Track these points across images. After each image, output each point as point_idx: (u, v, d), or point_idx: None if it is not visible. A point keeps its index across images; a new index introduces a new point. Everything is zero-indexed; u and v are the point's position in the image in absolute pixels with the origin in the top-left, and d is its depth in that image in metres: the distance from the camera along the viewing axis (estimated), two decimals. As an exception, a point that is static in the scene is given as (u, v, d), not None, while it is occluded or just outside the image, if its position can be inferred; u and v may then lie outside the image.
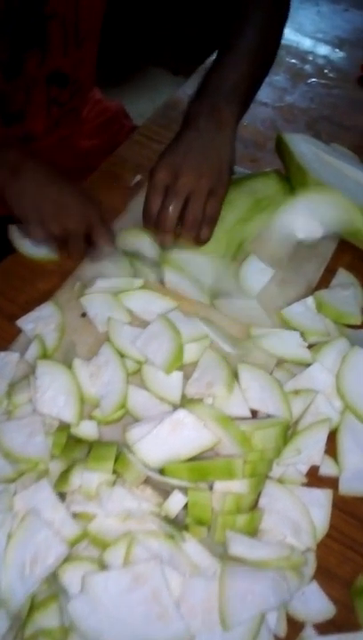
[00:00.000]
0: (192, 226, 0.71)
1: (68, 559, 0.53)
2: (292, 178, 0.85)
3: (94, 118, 1.15)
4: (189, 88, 1.09)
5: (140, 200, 0.76)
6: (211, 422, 0.61)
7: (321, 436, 0.63)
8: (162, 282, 0.77)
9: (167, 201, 0.71)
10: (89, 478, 0.57)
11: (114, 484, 0.58)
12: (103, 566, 0.53)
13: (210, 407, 0.63)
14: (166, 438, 0.59)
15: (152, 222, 0.73)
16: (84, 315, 0.75)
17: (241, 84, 0.77)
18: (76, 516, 0.56)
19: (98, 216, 0.72)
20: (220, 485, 0.59)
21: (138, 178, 0.92)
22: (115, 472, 0.58)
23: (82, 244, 0.73)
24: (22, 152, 0.74)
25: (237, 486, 0.59)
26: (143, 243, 0.77)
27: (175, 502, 0.57)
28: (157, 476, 0.58)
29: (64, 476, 0.58)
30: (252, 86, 0.81)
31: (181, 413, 0.60)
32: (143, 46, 2.58)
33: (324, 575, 0.59)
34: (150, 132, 1.01)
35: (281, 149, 0.88)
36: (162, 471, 0.59)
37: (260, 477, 0.60)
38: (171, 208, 0.70)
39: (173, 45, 2.54)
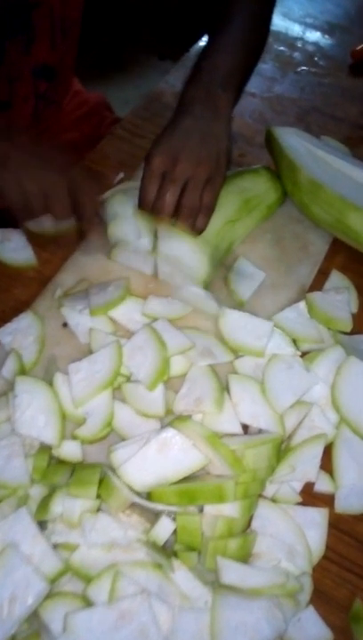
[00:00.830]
0: (189, 214, 0.68)
1: (49, 595, 0.50)
2: (282, 175, 0.81)
3: (74, 110, 1.11)
4: (172, 78, 1.04)
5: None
6: (200, 441, 0.57)
7: (317, 452, 0.60)
8: (155, 274, 0.74)
9: (165, 188, 0.67)
10: (71, 505, 0.54)
11: (98, 510, 0.55)
12: (87, 602, 0.50)
13: (199, 425, 0.59)
14: (153, 460, 0.56)
15: (149, 209, 0.69)
16: (65, 325, 0.71)
17: (235, 70, 0.74)
18: (57, 546, 0.53)
19: (81, 176, 0.69)
20: (210, 509, 0.56)
21: (121, 175, 0.88)
22: (98, 497, 0.55)
23: (65, 201, 0.67)
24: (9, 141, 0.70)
25: (229, 509, 0.56)
26: (135, 233, 0.73)
27: (163, 528, 0.54)
28: (143, 502, 0.54)
29: (45, 502, 0.55)
30: (245, 73, 0.78)
31: (169, 432, 0.57)
32: (127, 30, 2.50)
33: (320, 599, 0.56)
34: (133, 125, 0.96)
35: (271, 144, 0.84)
36: (149, 495, 0.56)
37: (252, 499, 0.57)
38: (168, 195, 0.67)
39: (158, 29, 2.47)
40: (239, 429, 0.61)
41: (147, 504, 0.54)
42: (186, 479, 0.56)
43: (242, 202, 0.77)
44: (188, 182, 0.67)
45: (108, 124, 1.13)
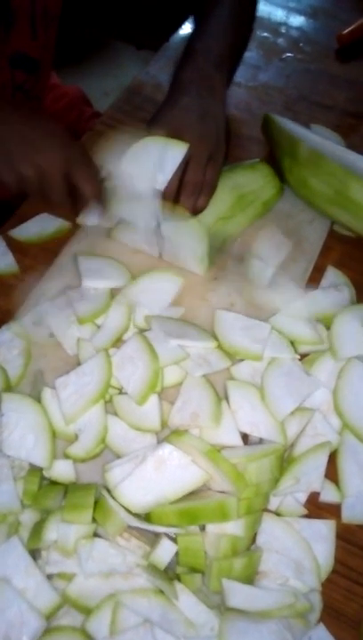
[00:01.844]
0: (192, 192, 0.65)
1: (46, 631, 0.47)
2: (280, 154, 0.79)
3: (51, 105, 1.06)
4: (153, 69, 1.00)
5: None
6: (199, 456, 0.54)
7: (321, 461, 0.58)
8: (160, 255, 0.73)
9: None
10: (65, 532, 0.50)
11: (94, 534, 0.51)
12: (87, 636, 0.47)
13: (197, 439, 0.56)
14: (151, 478, 0.53)
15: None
16: (51, 335, 0.68)
17: (227, 53, 0.73)
18: (52, 577, 0.50)
19: (80, 156, 0.64)
20: (213, 527, 0.53)
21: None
22: (94, 520, 0.52)
23: (61, 188, 0.63)
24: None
25: (232, 527, 0.53)
26: (140, 213, 0.69)
27: (165, 551, 0.51)
28: (142, 525, 0.51)
29: (37, 529, 0.52)
30: (236, 56, 0.78)
31: (166, 449, 0.53)
32: (104, 20, 2.43)
33: (330, 615, 0.54)
34: (114, 120, 0.92)
35: (268, 127, 0.84)
36: (148, 516, 0.53)
37: (256, 515, 0.54)
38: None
39: (135, 18, 2.40)
40: (239, 441, 0.58)
41: (146, 526, 0.51)
42: (186, 497, 0.53)
43: (236, 198, 0.73)
44: (190, 159, 0.65)
45: (88, 119, 1.09)
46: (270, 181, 0.77)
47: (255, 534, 0.55)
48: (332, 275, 0.74)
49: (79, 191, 0.63)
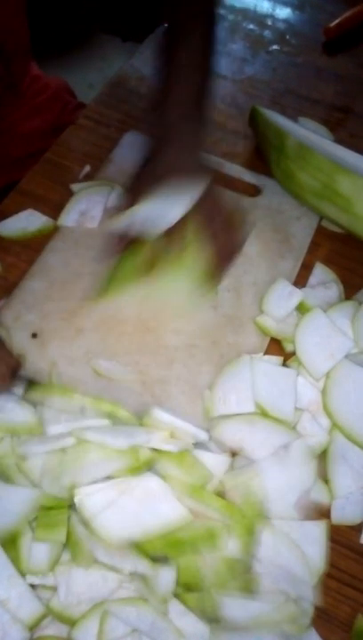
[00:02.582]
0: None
1: (30, 644, 0.46)
2: (267, 148, 0.78)
3: (34, 97, 1.03)
4: (137, 62, 0.98)
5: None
6: (186, 496, 0.51)
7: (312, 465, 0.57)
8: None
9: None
10: (38, 552, 0.48)
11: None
12: (73, 648, 0.45)
13: (183, 473, 0.53)
14: (134, 511, 0.49)
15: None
16: (35, 335, 0.66)
17: (206, 82, 0.66)
18: (35, 587, 0.48)
19: None
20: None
21: (87, 169, 0.82)
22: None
23: None
24: None
25: (230, 549, 0.50)
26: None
27: (166, 579, 0.48)
28: (112, 561, 0.48)
29: (12, 537, 0.49)
30: (210, 79, 0.69)
31: (153, 481, 0.50)
32: (88, 11, 2.39)
33: (321, 618, 0.53)
34: (97, 114, 0.89)
35: (255, 120, 0.83)
36: (132, 546, 0.49)
37: (255, 534, 0.52)
38: None
39: (121, 10, 2.37)
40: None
41: (115, 563, 0.47)
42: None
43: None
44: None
45: (72, 111, 1.06)
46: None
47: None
48: (320, 272, 0.73)
49: None
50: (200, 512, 0.50)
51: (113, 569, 0.47)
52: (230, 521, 0.50)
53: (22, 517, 0.49)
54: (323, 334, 0.64)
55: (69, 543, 0.49)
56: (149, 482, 0.50)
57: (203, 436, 0.56)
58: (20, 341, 0.65)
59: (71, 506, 0.50)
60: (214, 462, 0.55)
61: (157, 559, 0.49)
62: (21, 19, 0.85)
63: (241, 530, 0.50)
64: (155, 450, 0.53)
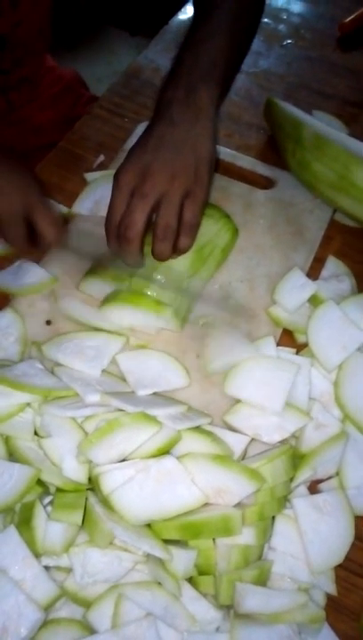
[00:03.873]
0: (164, 235, 0.59)
1: (45, 624, 0.46)
2: (283, 138, 0.78)
3: (47, 87, 1.03)
4: (151, 53, 0.98)
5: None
6: (209, 465, 0.52)
7: (338, 451, 0.58)
8: None
9: (132, 204, 0.58)
10: (54, 532, 0.48)
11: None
12: (88, 629, 0.46)
13: (208, 443, 0.54)
14: (151, 490, 0.49)
15: (115, 232, 0.59)
16: (49, 322, 0.66)
17: (220, 60, 0.64)
18: (49, 569, 0.48)
19: (40, 199, 0.60)
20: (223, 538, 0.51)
21: (101, 158, 0.82)
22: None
23: (20, 231, 0.59)
24: None
25: (244, 536, 0.50)
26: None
27: (185, 561, 0.48)
28: (130, 539, 0.47)
29: (25, 517, 0.50)
30: (233, 63, 0.68)
31: (171, 462, 0.51)
32: (96, 5, 2.39)
33: (330, 607, 0.53)
34: (111, 104, 0.90)
35: (271, 110, 0.83)
36: (147, 528, 0.50)
37: (268, 521, 0.52)
38: (136, 212, 0.57)
39: (130, 4, 2.36)
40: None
41: (134, 542, 0.47)
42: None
43: (195, 253, 0.65)
44: (162, 199, 0.58)
45: (84, 103, 1.06)
46: (224, 225, 0.70)
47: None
48: (332, 265, 0.74)
49: (40, 235, 0.59)
50: (222, 489, 0.51)
51: (129, 549, 0.48)
52: (252, 485, 0.50)
53: (18, 494, 0.50)
54: (336, 327, 0.64)
55: (87, 523, 0.49)
56: (166, 462, 0.50)
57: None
58: (34, 328, 0.65)
59: (89, 488, 0.51)
60: (234, 441, 0.56)
61: (173, 543, 0.49)
62: (40, 16, 0.86)
63: (257, 515, 0.51)
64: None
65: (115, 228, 0.59)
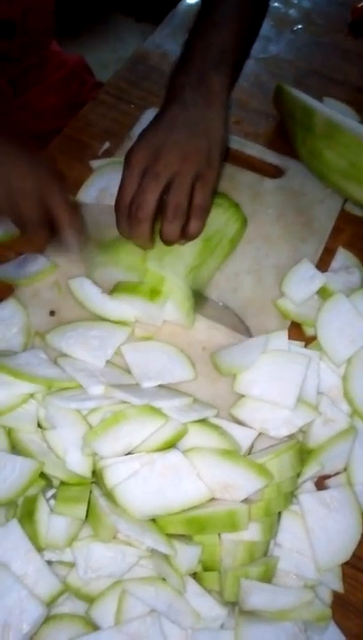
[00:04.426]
0: (175, 215, 0.58)
1: (47, 620, 0.45)
2: (294, 126, 0.76)
3: (53, 72, 1.01)
4: (158, 38, 0.96)
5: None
6: (216, 460, 0.51)
7: (347, 446, 0.57)
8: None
9: (144, 184, 0.57)
10: (57, 526, 0.48)
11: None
12: (91, 625, 0.45)
13: (216, 440, 0.53)
14: (156, 484, 0.49)
15: (126, 213, 0.59)
16: (52, 313, 0.65)
17: (231, 47, 0.64)
18: (52, 563, 0.48)
19: (54, 183, 0.59)
20: (228, 534, 0.50)
21: (106, 145, 0.81)
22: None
23: (41, 232, 0.59)
24: None
25: (249, 532, 0.50)
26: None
27: (190, 557, 0.47)
28: (134, 533, 0.47)
29: (28, 510, 0.49)
30: (243, 49, 0.68)
31: (176, 456, 0.50)
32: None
33: (335, 604, 0.53)
34: (117, 90, 0.88)
35: (281, 99, 0.81)
36: (152, 523, 0.49)
37: (274, 517, 0.51)
38: (148, 192, 0.57)
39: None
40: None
41: (138, 536, 0.46)
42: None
43: (203, 243, 0.64)
44: (173, 179, 0.58)
45: (89, 89, 1.04)
46: (233, 214, 0.68)
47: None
48: (342, 256, 0.72)
49: (55, 219, 0.58)
50: (229, 484, 0.50)
51: (133, 543, 0.47)
52: (260, 481, 0.49)
53: (21, 487, 0.49)
54: (345, 320, 0.62)
55: (90, 517, 0.48)
56: (172, 457, 0.49)
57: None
58: (37, 318, 0.64)
59: (93, 482, 0.50)
60: (241, 435, 0.55)
61: (177, 538, 0.48)
62: (48, 3, 0.84)
63: (263, 510, 0.50)
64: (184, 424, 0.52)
65: (125, 208, 0.59)
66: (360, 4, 1.00)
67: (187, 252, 0.63)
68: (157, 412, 0.52)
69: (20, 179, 0.57)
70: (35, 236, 0.60)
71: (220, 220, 0.67)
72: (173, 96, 0.61)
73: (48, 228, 0.59)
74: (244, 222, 0.70)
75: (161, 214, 0.58)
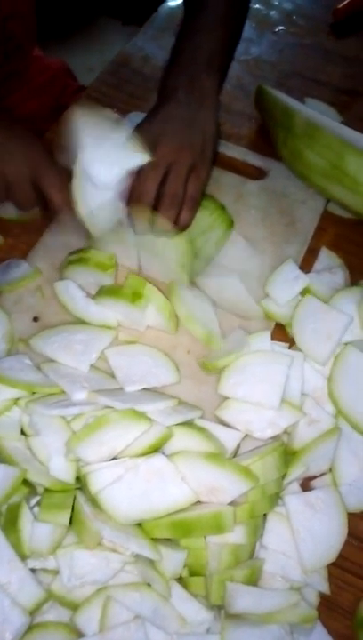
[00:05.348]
0: (171, 203, 0.59)
1: (31, 628, 0.45)
2: (274, 127, 0.77)
3: (34, 77, 1.01)
4: (140, 41, 0.96)
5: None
6: (201, 463, 0.51)
7: (331, 447, 0.57)
8: (140, 268, 0.68)
9: (144, 173, 0.58)
10: (40, 533, 0.47)
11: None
12: (75, 632, 0.45)
13: (200, 439, 0.53)
14: (140, 488, 0.49)
15: (126, 199, 0.60)
16: (36, 319, 0.65)
17: (218, 50, 0.66)
18: (35, 571, 0.47)
19: (48, 163, 0.59)
20: (213, 537, 0.50)
21: (89, 150, 0.80)
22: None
23: (29, 195, 0.60)
24: None
25: (234, 536, 0.50)
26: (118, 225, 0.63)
27: (175, 562, 0.47)
28: (118, 539, 0.47)
29: (11, 518, 0.49)
30: (228, 53, 0.70)
31: (161, 461, 0.50)
32: (88, -7, 2.35)
33: (323, 605, 0.53)
34: (100, 94, 0.88)
35: (262, 100, 0.82)
36: (138, 527, 0.49)
37: (258, 519, 0.51)
38: (149, 182, 0.58)
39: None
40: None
41: (123, 541, 0.46)
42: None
43: (187, 244, 0.64)
44: (169, 168, 0.59)
45: (71, 93, 1.04)
46: (218, 217, 0.68)
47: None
48: (325, 257, 0.72)
49: (48, 200, 0.59)
50: (215, 487, 0.49)
51: (117, 549, 0.47)
52: (245, 483, 0.49)
53: (4, 495, 0.48)
54: (318, 318, 0.62)
55: (75, 524, 0.48)
56: (156, 461, 0.49)
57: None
58: (21, 324, 0.64)
59: (77, 488, 0.50)
60: (227, 437, 0.55)
61: (163, 543, 0.48)
62: (28, 8, 0.84)
63: (248, 512, 0.50)
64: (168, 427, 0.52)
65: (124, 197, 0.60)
66: (342, 5, 1.01)
67: (171, 254, 0.63)
68: (141, 415, 0.52)
69: (11, 162, 0.58)
70: (20, 197, 0.60)
71: (205, 222, 0.67)
72: (165, 97, 0.63)
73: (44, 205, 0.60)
74: (230, 224, 0.70)
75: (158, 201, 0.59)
